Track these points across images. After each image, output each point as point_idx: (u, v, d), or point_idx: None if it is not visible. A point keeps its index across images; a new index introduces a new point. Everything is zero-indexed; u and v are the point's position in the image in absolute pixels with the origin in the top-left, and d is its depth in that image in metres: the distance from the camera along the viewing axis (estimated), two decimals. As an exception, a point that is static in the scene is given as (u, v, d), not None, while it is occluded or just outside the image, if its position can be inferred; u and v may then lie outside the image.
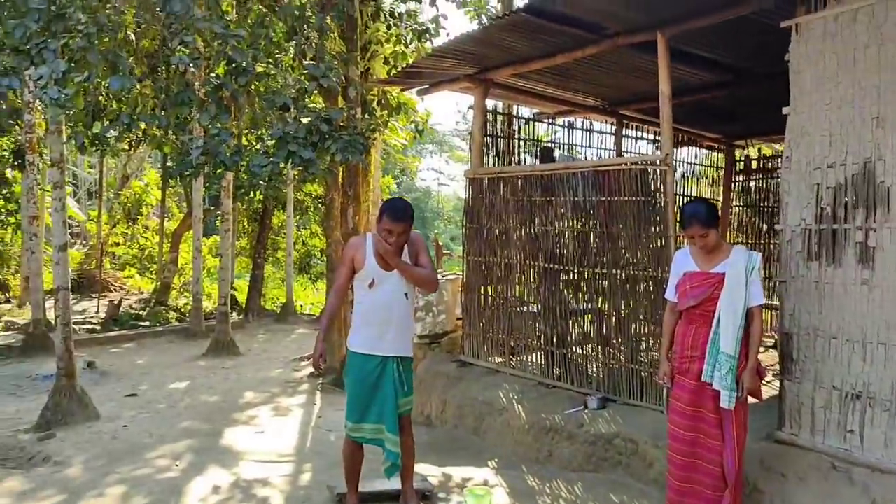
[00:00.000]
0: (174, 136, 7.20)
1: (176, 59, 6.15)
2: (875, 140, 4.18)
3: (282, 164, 6.59)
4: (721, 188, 10.01)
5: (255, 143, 7.90)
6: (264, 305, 17.60)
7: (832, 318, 4.33)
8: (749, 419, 4.17)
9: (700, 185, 9.78)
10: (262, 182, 13.81)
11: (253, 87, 6.81)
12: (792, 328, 4.54)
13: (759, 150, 10.42)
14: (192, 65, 6.26)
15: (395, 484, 4.78)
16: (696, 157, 9.67)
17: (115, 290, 18.91)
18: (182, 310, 16.11)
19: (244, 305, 16.70)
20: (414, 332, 4.66)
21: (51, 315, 14.24)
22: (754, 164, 9.94)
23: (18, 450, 6.34)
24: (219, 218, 21.66)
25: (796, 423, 4.50)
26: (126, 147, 12.06)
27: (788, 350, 4.55)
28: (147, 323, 14.64)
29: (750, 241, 9.83)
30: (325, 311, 4.64)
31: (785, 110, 4.63)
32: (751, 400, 4.12)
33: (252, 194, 15.37)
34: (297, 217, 20.84)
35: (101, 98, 6.82)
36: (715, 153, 10.18)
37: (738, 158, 10.19)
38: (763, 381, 4.13)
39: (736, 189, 10.06)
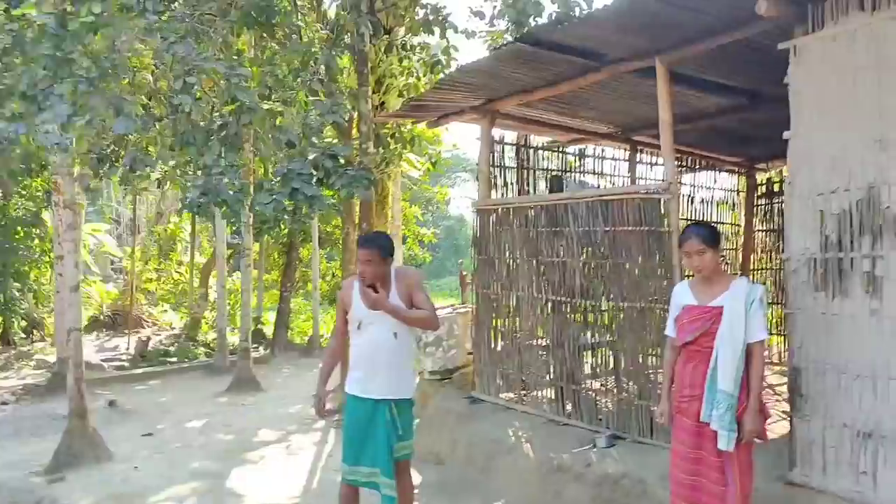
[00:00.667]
0: (180, 175, 7.25)
1: (178, 98, 6.18)
2: (878, 164, 3.99)
3: (286, 202, 6.54)
4: (743, 212, 9.76)
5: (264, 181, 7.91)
6: (292, 339, 17.62)
7: (840, 351, 4.11)
8: (759, 459, 3.96)
9: (720, 209, 9.54)
10: (285, 216, 13.97)
11: (258, 125, 6.80)
12: (800, 362, 4.32)
13: (781, 172, 10.14)
14: (193, 105, 6.28)
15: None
16: (715, 182, 9.45)
17: (147, 325, 19.12)
18: (211, 345, 16.18)
19: (271, 339, 16.73)
20: (414, 374, 4.53)
21: (80, 353, 14.48)
22: (776, 188, 9.67)
23: (27, 493, 6.35)
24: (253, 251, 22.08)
25: (807, 463, 4.26)
26: (145, 186, 12.19)
27: (797, 385, 4.33)
28: (175, 359, 14.73)
29: (773, 267, 9.54)
30: (325, 355, 4.59)
31: (786, 135, 4.46)
32: (757, 441, 3.91)
33: (278, 228, 15.44)
34: (328, 249, 20.95)
35: (104, 141, 6.89)
36: (736, 176, 9.94)
37: (759, 182, 9.93)
38: (767, 422, 3.90)
39: (758, 213, 9.80)
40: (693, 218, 9.06)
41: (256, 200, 6.56)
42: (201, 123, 6.74)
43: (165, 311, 20.87)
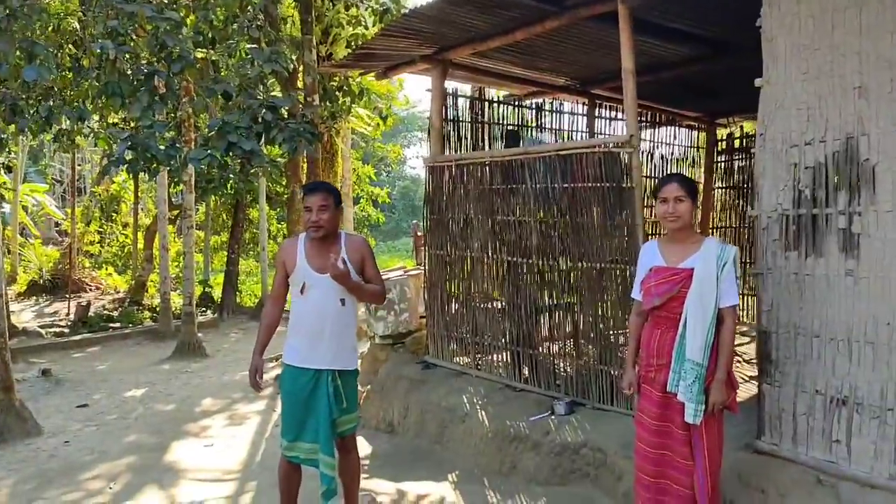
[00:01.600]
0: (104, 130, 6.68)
1: (98, 45, 5.62)
2: (857, 113, 3.70)
3: (222, 157, 6.05)
4: (702, 169, 9.53)
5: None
6: (241, 302, 17.08)
7: (814, 314, 3.86)
8: (726, 427, 3.70)
9: (680, 166, 9.29)
10: (230, 175, 13.38)
11: (191, 74, 6.26)
12: (770, 325, 4.07)
13: (742, 128, 9.93)
14: (117, 51, 5.72)
15: (338, 507, 4.34)
16: (675, 138, 9.17)
17: (90, 290, 18.36)
18: (157, 309, 15.58)
19: (219, 303, 16.18)
20: (356, 343, 4.16)
21: (14, 319, 13.79)
22: (737, 143, 9.45)
23: (-54, 472, 5.88)
24: (199, 212, 21.30)
25: (777, 431, 4.04)
26: (76, 142, 11.44)
27: (767, 350, 4.08)
28: (118, 324, 14.13)
29: (734, 225, 9.37)
30: (262, 323, 4.17)
31: (757, 82, 4.15)
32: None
33: (224, 188, 14.80)
34: (278, 210, 20.31)
35: (24, 90, 6.27)
36: (696, 132, 9.69)
37: (720, 138, 9.70)
38: (736, 392, 3.64)
39: (718, 170, 9.59)
40: (652, 175, 8.80)
41: (190, 156, 6.06)
42: (128, 72, 6.18)
43: (110, 274, 20.10)
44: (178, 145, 6.08)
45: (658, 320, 3.61)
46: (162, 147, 5.98)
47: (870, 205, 3.64)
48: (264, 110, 6.31)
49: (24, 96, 5.91)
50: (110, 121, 11.35)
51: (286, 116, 6.64)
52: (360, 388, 7.28)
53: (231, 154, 6.10)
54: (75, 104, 6.08)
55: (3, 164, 12.67)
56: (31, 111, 5.95)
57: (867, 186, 3.65)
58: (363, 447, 6.30)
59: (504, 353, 6.28)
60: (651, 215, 7.20)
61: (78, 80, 6.33)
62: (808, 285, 3.89)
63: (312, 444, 3.94)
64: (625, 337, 5.31)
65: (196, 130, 10.48)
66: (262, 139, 6.34)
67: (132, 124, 6.81)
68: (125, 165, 6.05)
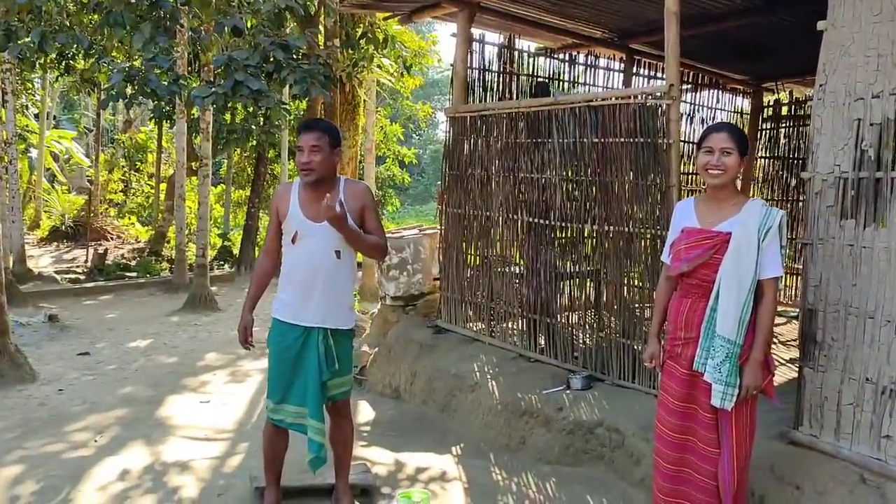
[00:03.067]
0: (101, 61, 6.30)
1: (98, -33, 5.23)
2: (938, 60, 3.18)
3: (227, 95, 5.65)
4: (746, 137, 8.94)
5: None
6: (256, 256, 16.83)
7: (870, 291, 3.38)
8: (758, 412, 3.27)
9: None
10: (252, 127, 13.02)
11: (199, 6, 5.83)
12: (817, 303, 3.60)
13: (791, 93, 9.29)
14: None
15: (327, 477, 4.00)
16: (717, 102, 8.57)
17: (111, 238, 18.25)
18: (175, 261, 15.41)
19: (237, 257, 15.93)
20: (352, 301, 3.77)
21: (32, 264, 13.69)
22: (784, 111, 8.83)
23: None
24: (223, 166, 21.03)
25: (817, 421, 3.59)
26: (85, 76, 11.09)
27: (812, 330, 3.61)
28: (134, 274, 13.95)
29: (777, 198, 8.79)
30: (254, 276, 3.79)
31: (820, 25, 3.63)
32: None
33: (247, 140, 14.45)
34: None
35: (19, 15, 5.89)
36: (740, 97, 9.08)
37: (766, 104, 9.08)
38: (773, 375, 3.18)
39: (763, 139, 8.98)
40: (689, 140, 8.23)
41: (193, 93, 5.66)
42: (132, 1, 5.77)
43: (133, 224, 19.99)
44: (181, 81, 5.65)
45: (688, 288, 3.15)
46: (165, 82, 5.57)
47: (945, 168, 3.14)
48: (276, 49, 5.88)
49: (18, 20, 5.55)
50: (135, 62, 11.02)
51: (300, 57, 6.18)
52: (367, 350, 6.99)
53: (237, 93, 5.67)
54: (72, 31, 5.68)
55: (27, 107, 12.44)
56: (25, 37, 5.59)
57: (944, 147, 3.14)
58: (366, 412, 5.98)
59: (520, 321, 5.86)
60: (688, 180, 6.69)
61: (81, 10, 5.95)
62: (865, 259, 3.41)
63: (299, 408, 3.59)
64: (652, 310, 4.88)
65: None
66: (273, 80, 5.92)
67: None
68: (125, 100, 5.65)
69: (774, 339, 6.41)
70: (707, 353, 3.05)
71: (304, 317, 3.54)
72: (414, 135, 35.63)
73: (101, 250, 14.64)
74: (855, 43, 3.49)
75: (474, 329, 6.24)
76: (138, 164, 21.49)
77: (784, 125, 8.78)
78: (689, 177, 7.74)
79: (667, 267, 3.32)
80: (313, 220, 3.49)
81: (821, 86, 3.65)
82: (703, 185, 3.24)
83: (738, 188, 3.18)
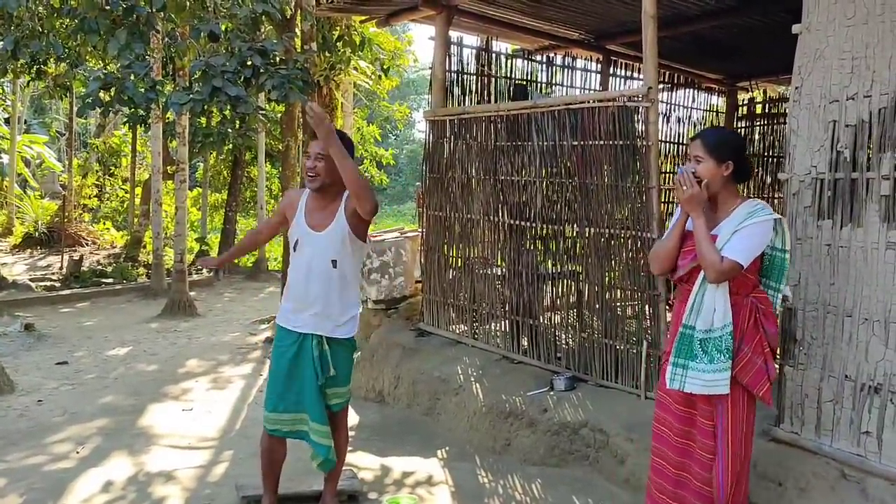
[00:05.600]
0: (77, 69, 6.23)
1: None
2: (910, 63, 3.24)
3: (204, 102, 5.61)
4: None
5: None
6: (238, 262, 16.69)
7: (847, 290, 3.45)
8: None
9: (697, 131, 8.80)
10: (228, 130, 12.91)
11: (174, 11, 5.79)
12: (796, 302, 3.66)
13: (765, 92, 9.41)
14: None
15: (313, 484, 4.01)
16: (693, 101, 8.66)
17: (86, 244, 17.99)
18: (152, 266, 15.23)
19: (216, 261, 15.77)
20: (352, 312, 3.69)
21: (6, 272, 13.48)
22: (759, 109, 8.94)
23: None
24: (199, 169, 20.84)
25: (798, 419, 3.65)
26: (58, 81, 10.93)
27: (792, 329, 3.68)
28: (110, 280, 13.78)
29: (752, 196, 8.87)
30: (246, 235, 3.97)
31: (795, 28, 3.69)
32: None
33: (223, 144, 14.32)
34: (279, 168, 19.82)
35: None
36: (715, 96, 9.17)
37: (740, 103, 9.18)
38: (771, 382, 3.16)
39: (737, 137, 9.08)
40: (667, 140, 8.31)
41: (171, 100, 5.62)
42: (107, 7, 5.71)
43: (108, 229, 19.73)
44: (158, 88, 5.60)
45: (687, 293, 3.16)
46: (142, 89, 5.52)
47: (919, 169, 3.20)
48: (253, 54, 5.85)
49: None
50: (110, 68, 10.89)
51: (278, 62, 6.15)
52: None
53: (215, 100, 5.64)
54: (45, 37, 5.61)
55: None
56: (-1, 45, 5.51)
57: (917, 148, 3.20)
58: (350, 417, 5.90)
59: (503, 323, 5.89)
60: (666, 180, 6.76)
61: (53, 14, 5.87)
62: (843, 258, 3.47)
63: (294, 415, 3.62)
64: (632, 309, 4.92)
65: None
66: (251, 85, 5.89)
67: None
68: (101, 108, 5.60)
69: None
70: (684, 360, 3.04)
71: (299, 323, 3.59)
72: (391, 135, 35.56)
73: (76, 257, 14.43)
74: (829, 46, 3.55)
75: (457, 331, 6.26)
76: (112, 168, 21.21)
77: (759, 123, 8.89)
78: (668, 176, 7.80)
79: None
80: (313, 230, 3.55)
81: (796, 88, 3.71)
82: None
83: (737, 192, 3.15)
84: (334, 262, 3.54)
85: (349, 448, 4.95)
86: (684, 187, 3.00)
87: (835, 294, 3.49)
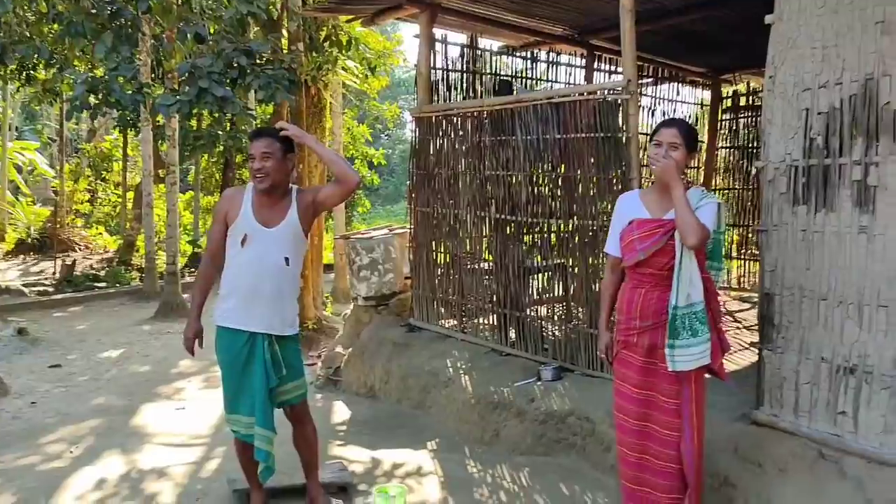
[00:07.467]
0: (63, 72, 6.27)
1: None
2: (879, 51, 3.32)
3: (191, 103, 5.66)
4: (706, 129, 9.12)
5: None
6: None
7: (822, 274, 3.52)
8: (720, 395, 3.40)
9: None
10: (219, 132, 12.97)
11: (160, 14, 5.84)
12: (773, 287, 3.73)
13: (749, 84, 9.49)
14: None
15: (299, 478, 4.05)
16: (677, 95, 8.75)
17: (79, 249, 18.02)
18: (145, 269, 15.26)
19: (208, 264, 15.80)
20: (296, 308, 3.72)
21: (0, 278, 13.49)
22: (742, 101, 9.03)
23: None
24: (191, 172, 20.85)
25: (777, 401, 3.72)
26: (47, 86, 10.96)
27: (769, 313, 3.75)
28: (103, 284, 13.81)
29: (737, 187, 8.99)
30: (195, 284, 3.76)
31: (768, 18, 3.76)
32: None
33: (213, 146, 14.38)
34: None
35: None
36: (699, 89, 9.25)
37: (724, 95, 9.27)
38: (724, 355, 3.31)
39: (722, 129, 9.17)
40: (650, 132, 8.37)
41: (158, 102, 5.67)
42: (93, 10, 5.76)
43: (101, 234, 19.75)
44: (146, 90, 5.65)
45: (641, 278, 3.23)
46: (129, 91, 5.57)
47: (889, 154, 3.28)
48: (239, 55, 5.90)
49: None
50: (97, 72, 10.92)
51: (264, 63, 6.21)
52: (342, 350, 7.02)
53: (202, 101, 5.69)
54: (31, 40, 5.65)
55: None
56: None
57: (887, 133, 3.28)
58: (342, 412, 6.04)
59: (491, 316, 5.97)
60: (649, 172, 6.81)
61: (41, 20, 5.91)
62: (817, 243, 3.54)
63: (249, 418, 3.57)
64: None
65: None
66: (238, 85, 5.94)
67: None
68: (89, 111, 5.65)
69: (739, 324, 6.59)
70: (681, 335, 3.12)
71: (250, 322, 3.50)
72: (383, 135, 35.55)
73: (69, 261, 14.45)
74: (801, 35, 3.62)
75: (446, 326, 6.32)
76: (104, 173, 21.21)
77: (743, 115, 8.97)
78: (650, 169, 7.86)
79: (613, 259, 3.42)
80: (264, 225, 3.48)
81: (770, 77, 3.78)
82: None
83: (687, 179, 3.33)
84: (287, 260, 3.53)
85: (340, 442, 5.08)
86: (662, 160, 3.12)
87: (810, 278, 3.56)
